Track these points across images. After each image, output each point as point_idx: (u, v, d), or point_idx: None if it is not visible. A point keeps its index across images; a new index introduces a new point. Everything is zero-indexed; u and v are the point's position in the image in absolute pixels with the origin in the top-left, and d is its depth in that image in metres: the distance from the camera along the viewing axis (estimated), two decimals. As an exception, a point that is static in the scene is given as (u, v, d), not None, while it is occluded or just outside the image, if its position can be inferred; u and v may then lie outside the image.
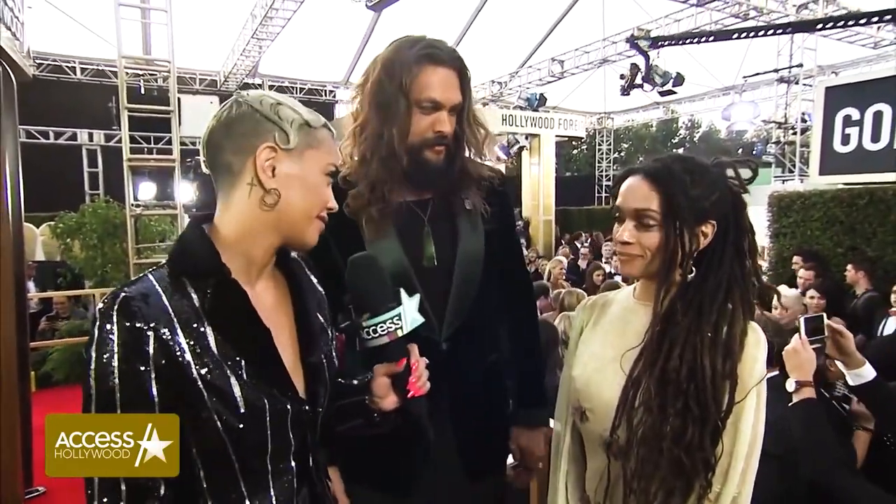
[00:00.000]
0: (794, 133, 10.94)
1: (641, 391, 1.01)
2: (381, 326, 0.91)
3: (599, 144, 17.62)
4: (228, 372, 0.80)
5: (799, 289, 4.22)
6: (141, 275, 0.84)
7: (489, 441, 1.39)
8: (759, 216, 5.30)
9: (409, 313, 0.92)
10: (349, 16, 9.54)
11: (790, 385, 1.55)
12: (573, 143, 17.08)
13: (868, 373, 1.52)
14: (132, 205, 5.90)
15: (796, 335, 1.57)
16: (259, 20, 9.14)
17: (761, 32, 7.72)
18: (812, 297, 3.76)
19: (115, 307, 0.76)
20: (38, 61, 9.89)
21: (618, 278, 5.36)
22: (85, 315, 6.17)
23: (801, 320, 1.57)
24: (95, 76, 11.13)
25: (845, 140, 4.81)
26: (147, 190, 8.33)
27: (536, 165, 11.60)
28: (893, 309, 3.57)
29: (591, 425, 1.11)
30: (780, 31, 7.94)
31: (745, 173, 1.07)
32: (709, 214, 1.02)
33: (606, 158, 17.51)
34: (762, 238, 5.56)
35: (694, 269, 1.04)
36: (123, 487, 0.77)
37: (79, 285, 6.58)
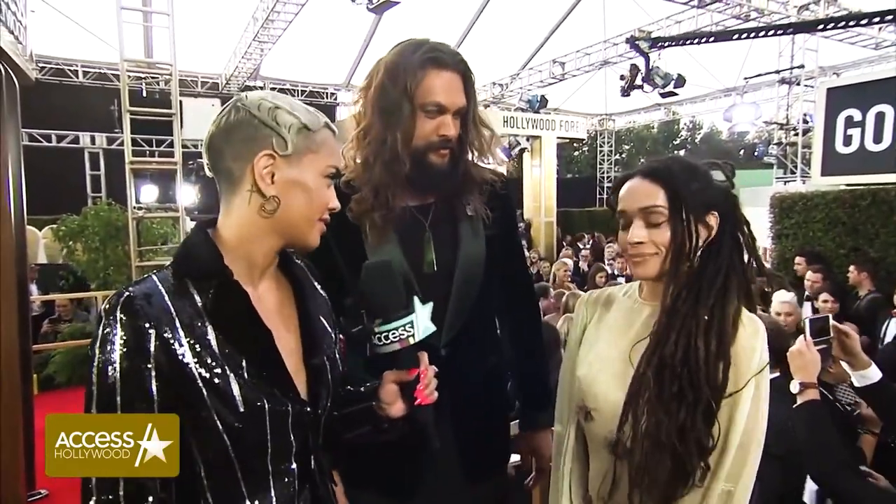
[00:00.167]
0: (796, 134, 10.92)
1: (645, 385, 1.01)
2: (393, 333, 0.91)
3: (601, 146, 17.62)
4: (229, 372, 0.81)
5: (806, 291, 4.20)
6: (145, 276, 0.85)
7: (490, 444, 1.38)
8: (760, 217, 5.29)
9: (421, 321, 0.92)
10: (350, 18, 9.55)
11: (794, 387, 1.54)
12: (574, 144, 17.09)
13: (874, 374, 1.52)
14: (134, 207, 5.92)
15: (801, 336, 1.56)
16: (261, 23, 9.16)
17: (762, 33, 7.72)
18: (826, 301, 3.71)
19: (119, 306, 0.77)
20: (40, 65, 9.93)
21: (621, 280, 5.36)
22: (87, 318, 6.18)
23: (807, 321, 1.56)
24: (97, 79, 11.17)
25: (847, 141, 4.80)
26: (149, 193, 8.35)
27: (538, 167, 11.60)
28: (896, 310, 3.57)
29: (595, 425, 1.11)
30: (780, 31, 7.94)
31: (719, 175, 1.10)
32: (711, 205, 1.05)
33: (608, 160, 17.50)
34: (764, 239, 5.55)
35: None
36: (122, 491, 0.77)
37: (81, 288, 6.59)
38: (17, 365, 2.84)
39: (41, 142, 11.38)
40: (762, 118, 12.03)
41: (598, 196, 17.06)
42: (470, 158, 1.33)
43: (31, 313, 4.22)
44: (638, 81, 8.90)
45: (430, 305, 0.95)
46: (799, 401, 1.53)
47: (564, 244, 11.17)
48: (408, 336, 0.91)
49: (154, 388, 0.77)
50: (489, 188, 1.35)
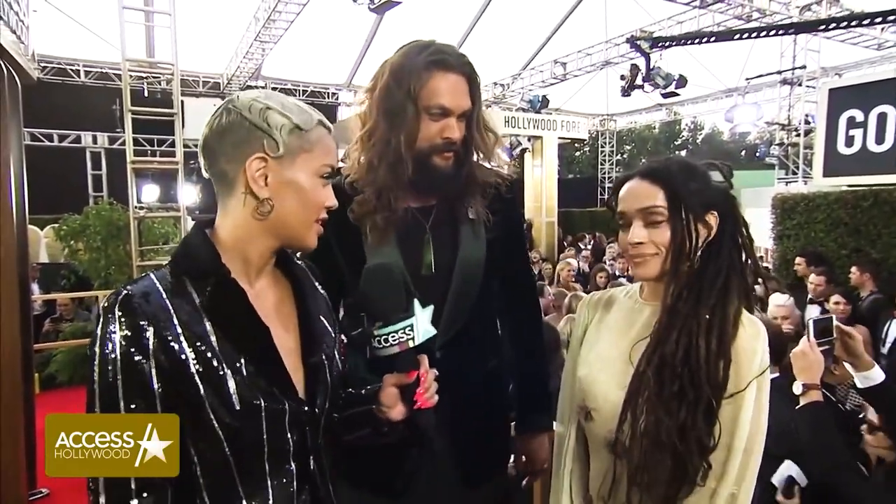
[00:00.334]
0: (798, 135, 10.92)
1: (644, 384, 1.01)
2: (393, 336, 0.91)
3: (602, 146, 17.61)
4: (226, 369, 0.81)
5: (809, 294, 4.18)
6: (143, 275, 0.86)
7: (489, 444, 1.38)
8: (762, 218, 5.28)
9: (421, 324, 0.92)
10: (352, 18, 9.54)
11: (797, 388, 1.53)
12: (576, 144, 17.11)
13: (877, 375, 1.50)
14: (135, 207, 5.93)
15: (804, 338, 1.55)
16: (262, 23, 9.16)
17: (764, 33, 7.71)
18: (837, 304, 3.66)
19: (117, 304, 0.78)
20: (42, 64, 9.96)
21: (622, 280, 5.36)
22: (88, 317, 6.19)
23: (810, 322, 1.54)
24: (99, 79, 11.18)
25: (849, 142, 4.80)
26: (150, 192, 8.36)
27: (539, 167, 11.58)
28: (899, 311, 3.56)
29: (595, 425, 1.11)
30: (782, 31, 7.93)
31: (717, 176, 1.10)
32: (711, 205, 1.05)
33: (609, 160, 17.50)
34: (766, 240, 5.54)
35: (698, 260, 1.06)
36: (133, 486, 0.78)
37: (82, 287, 6.60)
38: (18, 364, 2.84)
39: (43, 141, 11.41)
40: (764, 119, 12.01)
41: (599, 196, 17.05)
42: (475, 160, 1.32)
43: (33, 312, 4.22)
44: (638, 81, 8.89)
45: (430, 309, 0.94)
46: (802, 402, 1.52)
47: (565, 244, 11.16)
48: (407, 339, 0.91)
49: (155, 383, 0.78)
50: (493, 191, 1.34)
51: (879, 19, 6.78)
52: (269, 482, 0.86)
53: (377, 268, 0.97)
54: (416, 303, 0.93)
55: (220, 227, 0.88)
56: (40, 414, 3.46)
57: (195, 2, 8.68)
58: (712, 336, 0.99)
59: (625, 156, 24.22)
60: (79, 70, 11.05)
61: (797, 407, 1.53)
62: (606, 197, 16.43)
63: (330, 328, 1.00)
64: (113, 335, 0.77)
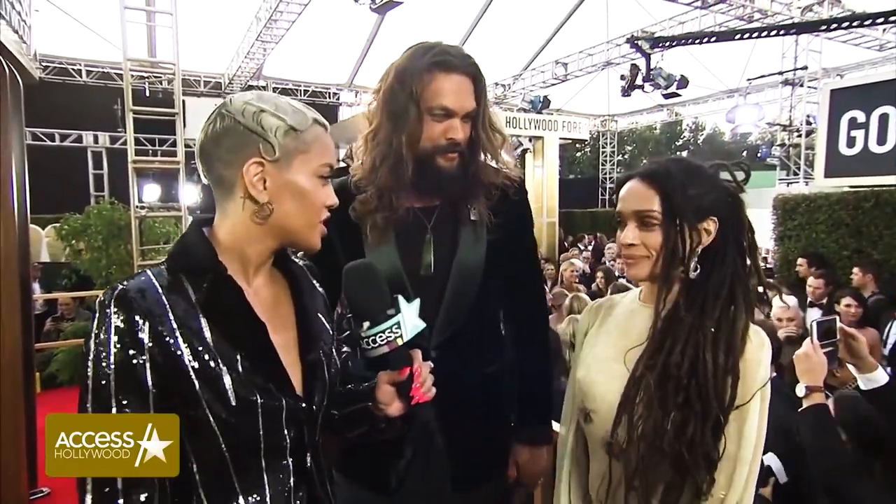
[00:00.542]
0: (799, 135, 10.90)
1: (643, 389, 1.00)
2: (381, 336, 0.90)
3: (603, 147, 17.60)
4: (222, 365, 0.81)
5: (809, 297, 4.17)
6: (140, 271, 0.86)
7: (486, 447, 1.36)
8: (763, 219, 5.28)
9: (409, 320, 0.91)
10: (353, 18, 9.54)
11: (800, 390, 1.53)
12: (577, 145, 17.10)
13: (881, 377, 1.49)
14: (137, 207, 5.93)
15: (807, 339, 1.54)
16: (263, 23, 9.17)
17: (765, 33, 7.71)
18: (848, 306, 3.60)
19: (113, 300, 0.78)
20: (43, 64, 9.97)
21: (623, 280, 5.34)
22: (90, 316, 6.09)
23: (814, 324, 1.53)
24: (101, 79, 11.20)
25: (851, 142, 4.80)
26: (152, 192, 8.36)
27: (540, 168, 11.57)
28: (900, 312, 3.55)
29: (594, 426, 1.11)
30: (783, 32, 7.93)
31: (739, 175, 1.09)
32: (709, 211, 1.03)
33: (610, 161, 17.49)
34: (766, 241, 5.54)
35: (699, 266, 1.04)
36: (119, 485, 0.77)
37: (84, 287, 6.60)
38: (19, 363, 2.84)
39: (44, 141, 11.42)
40: (765, 119, 12.01)
41: (600, 197, 17.04)
42: (483, 161, 1.32)
43: (34, 312, 4.23)
44: (638, 81, 8.89)
45: (416, 303, 0.93)
46: (805, 405, 1.51)
47: (566, 244, 11.16)
48: (395, 337, 0.90)
49: (149, 379, 0.78)
50: (498, 193, 1.33)
51: (881, 20, 6.77)
52: (265, 478, 0.86)
53: (356, 268, 0.95)
54: (401, 299, 0.92)
55: (219, 228, 0.88)
56: (41, 413, 3.46)
57: (197, 1, 8.70)
58: (719, 350, 0.98)
59: (626, 156, 24.20)
60: (80, 69, 11.07)
61: (800, 409, 1.52)
62: (608, 197, 16.47)
63: (328, 326, 1.01)
64: (108, 331, 0.77)
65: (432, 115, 1.22)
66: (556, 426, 1.39)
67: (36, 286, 6.25)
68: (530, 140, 11.36)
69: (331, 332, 1.01)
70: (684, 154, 24.63)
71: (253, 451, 0.84)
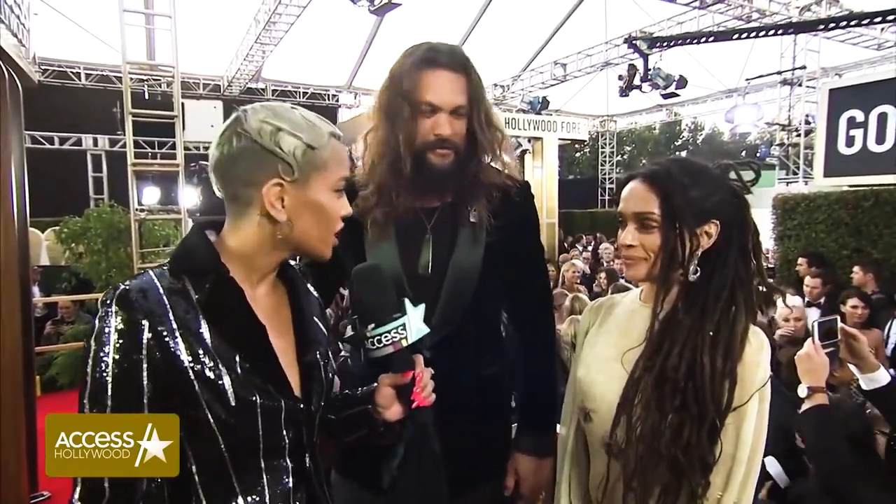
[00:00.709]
0: (798, 135, 10.91)
1: (641, 390, 1.00)
2: (386, 336, 0.91)
3: (602, 147, 17.61)
4: (222, 366, 0.81)
5: (806, 297, 4.17)
6: (142, 272, 0.86)
7: (484, 449, 1.35)
8: (763, 219, 5.28)
9: (413, 323, 0.92)
10: (352, 20, 9.55)
11: (802, 391, 1.52)
12: (576, 145, 17.09)
13: (882, 377, 1.49)
14: (136, 209, 5.94)
15: (809, 339, 1.54)
16: (262, 25, 9.18)
17: (763, 33, 7.72)
18: (855, 307, 3.58)
19: (114, 299, 0.78)
20: (43, 67, 9.96)
21: (623, 280, 5.34)
22: (90, 320, 6.14)
23: (815, 325, 1.53)
24: (100, 82, 11.19)
25: (850, 142, 4.80)
26: (151, 195, 8.37)
27: (539, 168, 11.58)
28: (900, 311, 3.55)
29: (593, 426, 1.11)
30: (781, 31, 7.94)
31: (748, 175, 1.07)
32: (710, 214, 1.02)
33: (609, 161, 17.48)
34: (766, 241, 5.54)
35: (699, 269, 1.03)
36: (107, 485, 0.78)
37: (83, 290, 6.59)
38: (19, 366, 2.84)
39: (44, 144, 11.42)
40: (764, 119, 12.02)
41: (599, 197, 17.04)
42: (484, 162, 1.32)
43: (34, 315, 4.22)
44: (636, 82, 8.89)
45: (422, 307, 0.94)
46: (807, 405, 1.51)
47: (566, 245, 11.16)
48: (400, 339, 0.91)
49: (149, 379, 0.78)
50: (499, 194, 1.33)
51: (879, 19, 6.78)
52: (264, 479, 0.86)
53: (366, 269, 0.97)
54: (408, 302, 0.93)
55: (229, 236, 0.89)
56: (41, 416, 3.46)
57: (195, 4, 8.70)
58: (717, 354, 0.98)
59: (625, 157, 24.22)
60: (79, 73, 11.07)
61: (802, 410, 1.52)
62: (607, 198, 16.47)
63: (323, 329, 1.02)
64: (108, 330, 0.77)
65: (421, 111, 1.24)
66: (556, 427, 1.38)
67: (36, 289, 6.25)
68: (529, 141, 11.37)
69: (327, 335, 1.02)
70: (683, 154, 24.64)
71: (252, 452, 0.85)
